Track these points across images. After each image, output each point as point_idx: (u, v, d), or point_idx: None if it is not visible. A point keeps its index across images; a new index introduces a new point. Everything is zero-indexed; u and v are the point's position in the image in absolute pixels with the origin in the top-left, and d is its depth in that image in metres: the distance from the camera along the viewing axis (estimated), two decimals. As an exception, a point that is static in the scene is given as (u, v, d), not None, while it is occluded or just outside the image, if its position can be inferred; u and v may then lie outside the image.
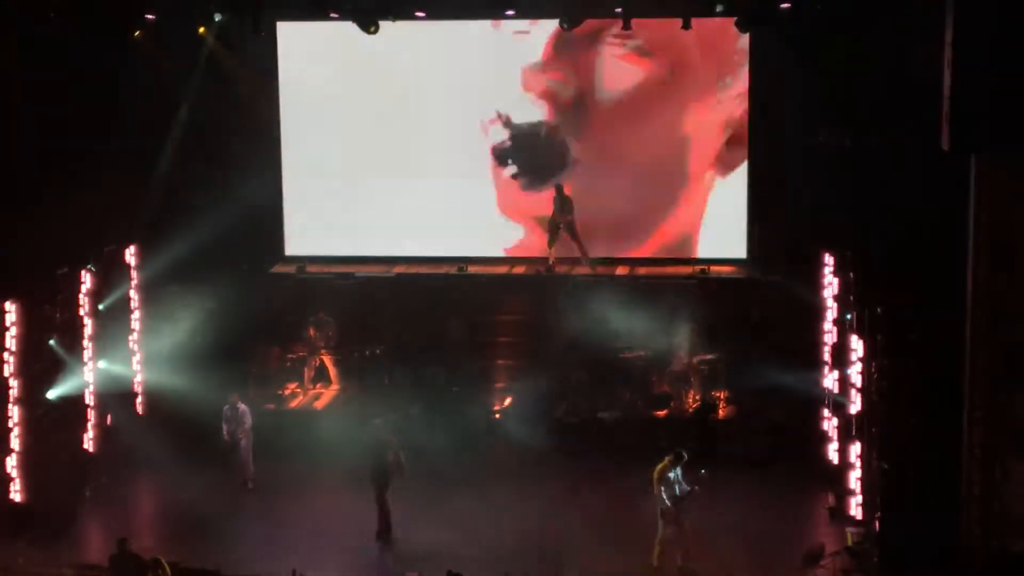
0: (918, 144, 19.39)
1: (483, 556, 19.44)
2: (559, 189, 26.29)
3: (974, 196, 18.51)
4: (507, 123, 26.95)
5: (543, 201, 26.65)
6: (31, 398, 21.99)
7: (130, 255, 25.23)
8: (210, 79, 25.84)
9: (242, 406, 23.15)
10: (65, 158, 22.90)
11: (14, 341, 21.56)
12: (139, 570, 18.75)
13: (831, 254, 23.22)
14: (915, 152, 19.83)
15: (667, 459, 19.53)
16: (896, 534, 19.20)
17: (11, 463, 21.51)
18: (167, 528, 21.82)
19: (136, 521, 22.22)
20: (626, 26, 24.00)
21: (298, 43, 27.10)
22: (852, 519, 20.71)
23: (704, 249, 26.49)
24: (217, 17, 23.74)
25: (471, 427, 24.47)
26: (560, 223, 26.25)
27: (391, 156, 27.00)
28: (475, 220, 26.95)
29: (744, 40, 25.65)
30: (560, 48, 26.59)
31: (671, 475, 19.38)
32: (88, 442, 23.65)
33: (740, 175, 26.15)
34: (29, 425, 21.81)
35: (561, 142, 26.94)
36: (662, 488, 19.29)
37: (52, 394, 22.69)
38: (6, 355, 21.48)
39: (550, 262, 26.42)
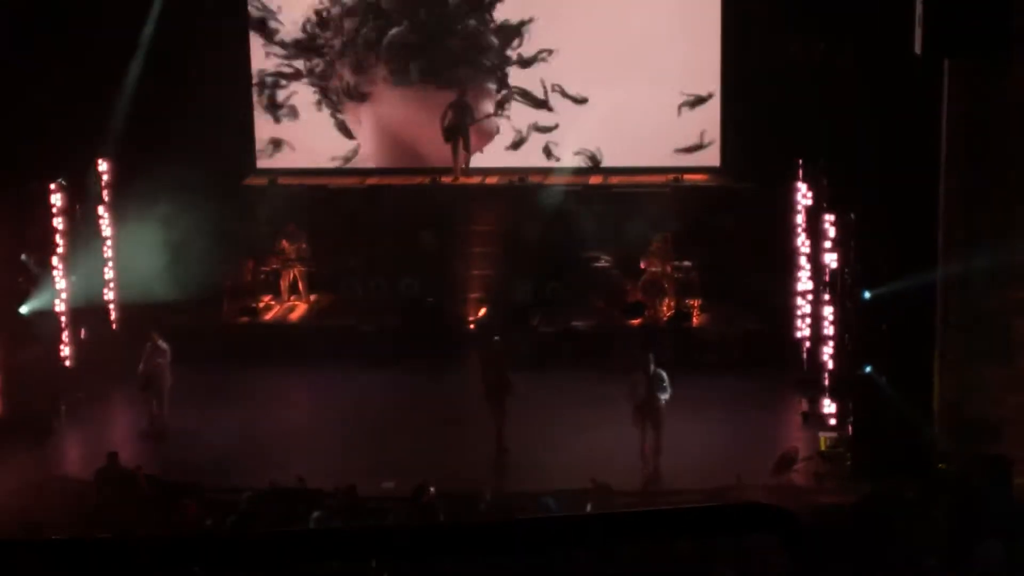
0: (890, 50, 19.30)
1: (464, 469, 19.54)
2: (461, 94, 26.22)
3: (947, 101, 18.48)
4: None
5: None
6: (4, 313, 21.92)
7: (102, 169, 25.05)
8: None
9: (162, 344, 22.17)
10: (33, 75, 22.64)
11: (-15, 256, 21.48)
12: (128, 484, 18.86)
13: (804, 162, 23.21)
14: (887, 59, 19.74)
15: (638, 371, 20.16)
16: (869, 438, 19.37)
17: (-14, 378, 21.52)
18: (144, 443, 21.84)
19: (113, 435, 22.23)
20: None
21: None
22: (825, 424, 20.86)
23: (677, 158, 26.38)
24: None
25: (446, 337, 24.51)
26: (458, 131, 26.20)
27: (364, 64, 26.81)
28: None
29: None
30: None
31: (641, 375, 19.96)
32: (63, 357, 23.61)
33: (714, 82, 25.97)
34: (2, 339, 21.75)
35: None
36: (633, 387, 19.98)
37: (25, 309, 22.62)
38: (-22, 270, 21.42)
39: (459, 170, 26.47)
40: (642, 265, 25.00)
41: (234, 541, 4.60)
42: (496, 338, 20.53)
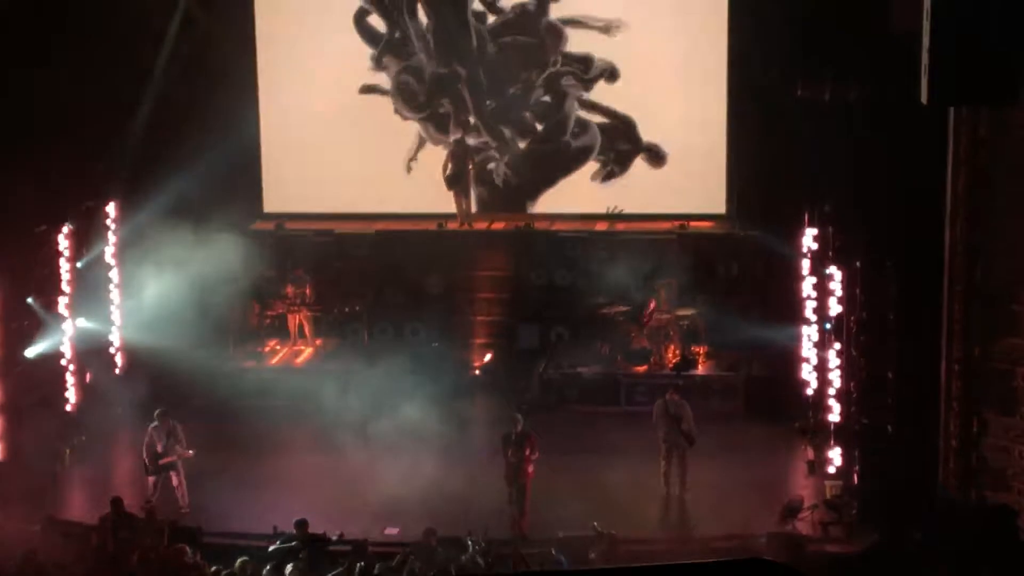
0: (897, 97, 19.34)
1: (465, 513, 19.49)
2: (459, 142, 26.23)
3: (952, 150, 18.52)
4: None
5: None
6: (9, 356, 21.94)
7: (108, 212, 25.11)
8: (186, 34, 25.64)
9: (171, 422, 20.98)
10: (39, 116, 22.72)
11: (-9, 299, 21.51)
12: (132, 529, 18.83)
13: (810, 208, 23.22)
14: (894, 105, 19.78)
15: (666, 395, 20.92)
16: (875, 487, 19.30)
17: (-10, 421, 21.50)
18: (147, 486, 21.77)
19: (116, 480, 22.18)
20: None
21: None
22: (830, 473, 20.79)
23: (683, 204, 26.41)
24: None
25: (452, 383, 24.47)
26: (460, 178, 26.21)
27: (370, 111, 26.92)
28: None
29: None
30: None
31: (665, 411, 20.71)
32: (67, 400, 23.61)
33: (719, 128, 26.04)
34: (7, 383, 21.76)
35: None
36: (660, 423, 20.62)
37: (31, 352, 22.63)
38: (-17, 313, 21.45)
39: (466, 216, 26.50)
40: (647, 311, 24.99)
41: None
42: (519, 424, 20.20)
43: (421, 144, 26.93)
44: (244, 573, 17.27)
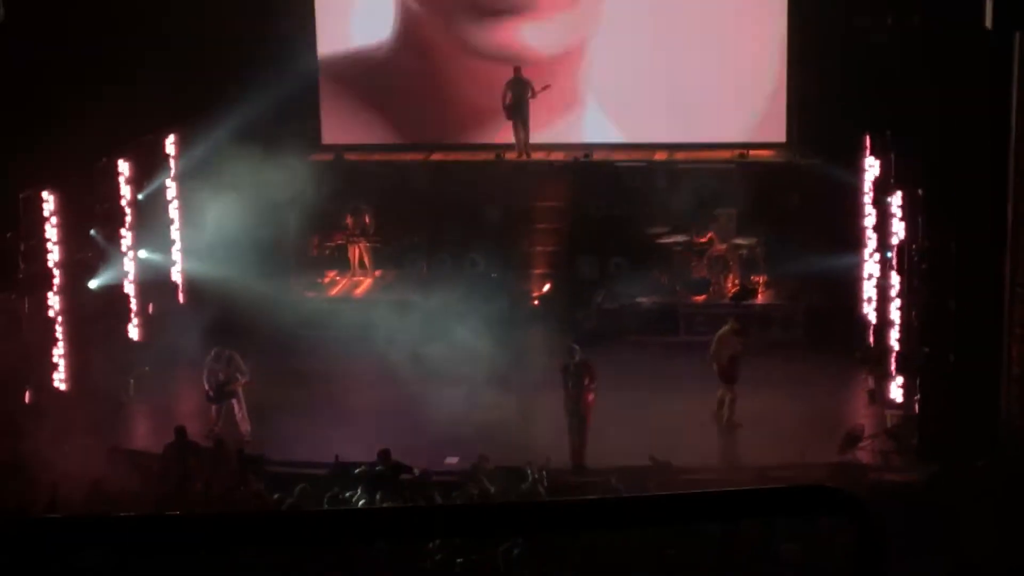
0: (960, 23, 19.11)
1: (524, 445, 19.56)
2: (517, 71, 26.07)
3: (1017, 75, 18.26)
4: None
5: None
6: (73, 288, 22.16)
7: (169, 144, 25.23)
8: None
9: (229, 351, 21.35)
10: (100, 49, 22.84)
11: (55, 231, 21.70)
12: (199, 458, 19.07)
13: (871, 136, 23.01)
14: (957, 32, 19.54)
15: (728, 324, 21.10)
16: (936, 416, 19.23)
17: (56, 352, 21.74)
18: (210, 416, 21.99)
19: (180, 409, 22.41)
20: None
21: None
22: (892, 402, 20.73)
23: (743, 132, 26.22)
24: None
25: (510, 313, 24.51)
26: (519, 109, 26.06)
27: (429, 40, 26.85)
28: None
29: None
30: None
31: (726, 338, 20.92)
32: (131, 331, 23.85)
33: (780, 56, 25.79)
34: (72, 314, 22.00)
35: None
36: (718, 349, 20.87)
37: (94, 284, 22.86)
38: (48, 245, 21.63)
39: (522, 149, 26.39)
40: (706, 240, 24.89)
41: (288, 519, 4.65)
42: (577, 355, 20.20)
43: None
44: (305, 499, 17.46)
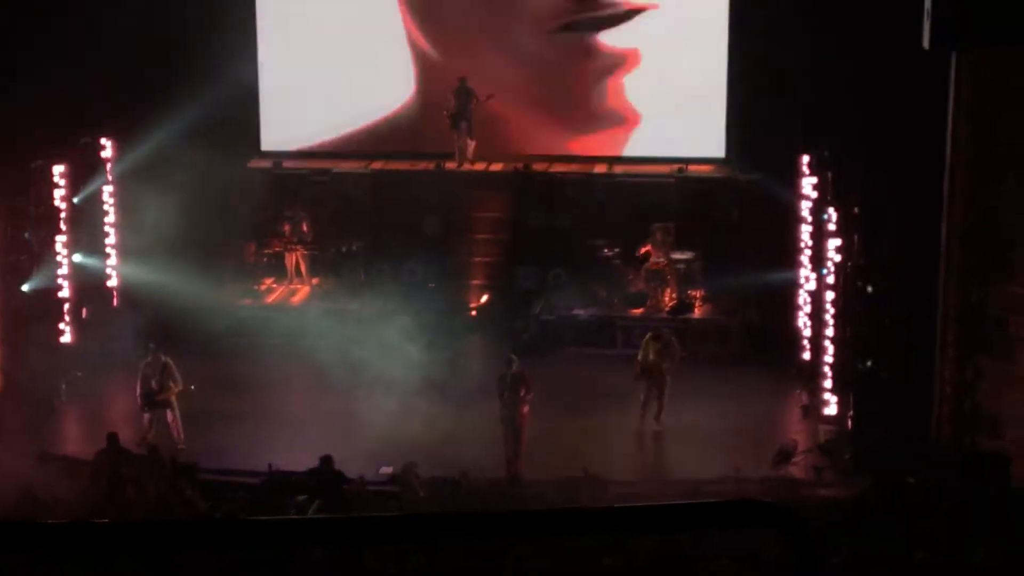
0: (898, 44, 19.30)
1: (458, 455, 19.53)
2: (463, 80, 26.05)
3: (953, 94, 18.46)
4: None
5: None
6: (6, 291, 21.93)
7: (105, 147, 25.02)
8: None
9: (164, 358, 21.05)
10: (35, 50, 22.63)
11: (-12, 234, 21.49)
12: (128, 464, 18.89)
13: (809, 153, 23.17)
14: (896, 50, 19.73)
15: (649, 335, 21.30)
16: (868, 432, 19.36)
17: (-14, 355, 21.52)
18: (143, 423, 21.82)
19: (113, 415, 22.20)
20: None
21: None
22: (825, 417, 20.85)
23: (683, 147, 26.32)
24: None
25: (448, 324, 24.47)
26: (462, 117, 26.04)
27: (370, 47, 26.78)
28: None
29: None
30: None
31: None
32: (64, 335, 23.62)
33: (719, 71, 25.90)
34: (4, 317, 21.76)
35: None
36: (640, 355, 20.97)
37: (27, 287, 22.63)
38: (-20, 247, 21.43)
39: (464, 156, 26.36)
40: (643, 252, 24.96)
41: (227, 525, 4.60)
42: (514, 366, 20.24)
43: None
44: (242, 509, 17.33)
